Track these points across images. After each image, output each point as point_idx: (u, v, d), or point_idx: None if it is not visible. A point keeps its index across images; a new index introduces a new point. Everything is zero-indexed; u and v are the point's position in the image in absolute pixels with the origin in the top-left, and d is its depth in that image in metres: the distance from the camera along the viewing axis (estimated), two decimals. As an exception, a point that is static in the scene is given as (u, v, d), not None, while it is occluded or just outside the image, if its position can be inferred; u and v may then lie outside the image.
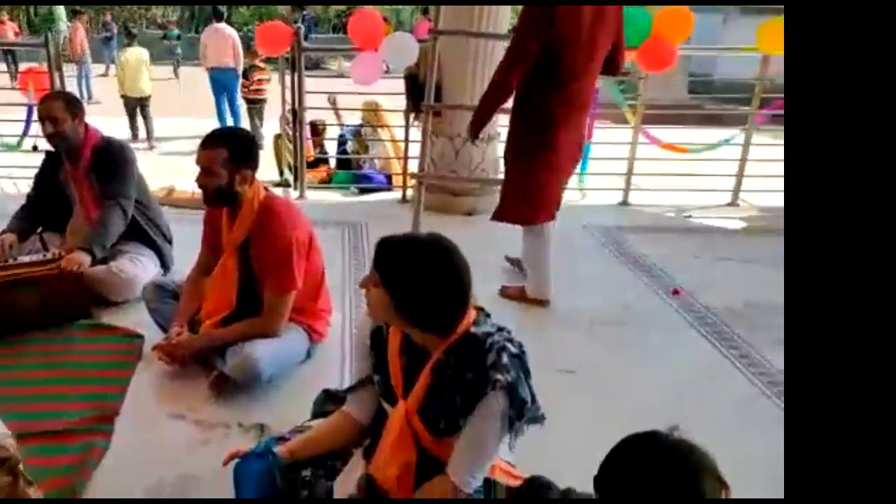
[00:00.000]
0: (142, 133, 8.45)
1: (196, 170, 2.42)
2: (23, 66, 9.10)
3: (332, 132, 6.20)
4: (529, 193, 3.07)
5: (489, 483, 1.72)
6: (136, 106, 8.33)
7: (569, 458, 1.27)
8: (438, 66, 4.32)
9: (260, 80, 7.53)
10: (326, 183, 5.59)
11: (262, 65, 7.56)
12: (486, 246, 3.72)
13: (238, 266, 2.51)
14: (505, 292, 3.33)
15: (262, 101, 7.64)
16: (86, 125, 3.13)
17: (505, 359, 1.57)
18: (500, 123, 4.76)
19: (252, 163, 2.46)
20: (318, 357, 2.65)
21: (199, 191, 2.58)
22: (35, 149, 5.30)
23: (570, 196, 5.02)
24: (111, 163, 3.11)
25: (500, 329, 1.67)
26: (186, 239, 3.30)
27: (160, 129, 8.50)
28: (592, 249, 4.13)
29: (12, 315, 2.70)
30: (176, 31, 16.67)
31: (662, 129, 5.42)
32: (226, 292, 2.53)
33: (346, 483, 1.80)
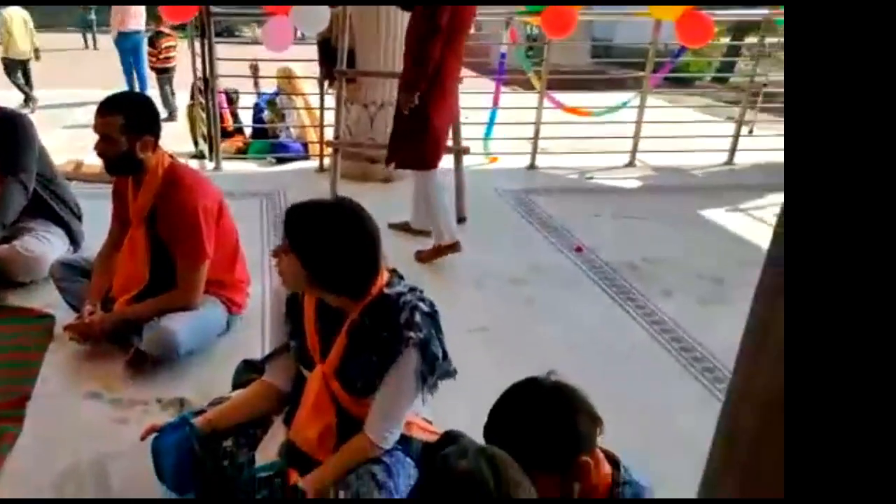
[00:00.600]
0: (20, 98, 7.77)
1: None
2: None
3: (247, 101, 5.92)
4: (434, 138, 3.17)
5: (407, 440, 1.75)
6: (19, 68, 7.73)
7: (481, 413, 1.31)
8: (350, 32, 4.19)
9: (168, 47, 7.09)
10: (243, 153, 5.37)
11: (169, 31, 7.10)
12: (404, 212, 3.70)
13: (147, 238, 2.39)
14: (420, 256, 3.34)
15: (171, 69, 7.20)
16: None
17: (417, 317, 1.58)
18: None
19: (152, 128, 2.32)
20: (238, 329, 2.58)
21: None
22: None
23: (477, 160, 5.08)
24: (9, 134, 2.86)
25: (413, 289, 1.67)
26: (98, 214, 3.07)
27: (69, 99, 7.87)
28: (502, 212, 4.18)
29: None
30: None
31: (566, 93, 5.51)
32: (137, 267, 2.41)
33: (267, 450, 1.77)
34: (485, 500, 0.99)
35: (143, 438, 1.70)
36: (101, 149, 2.27)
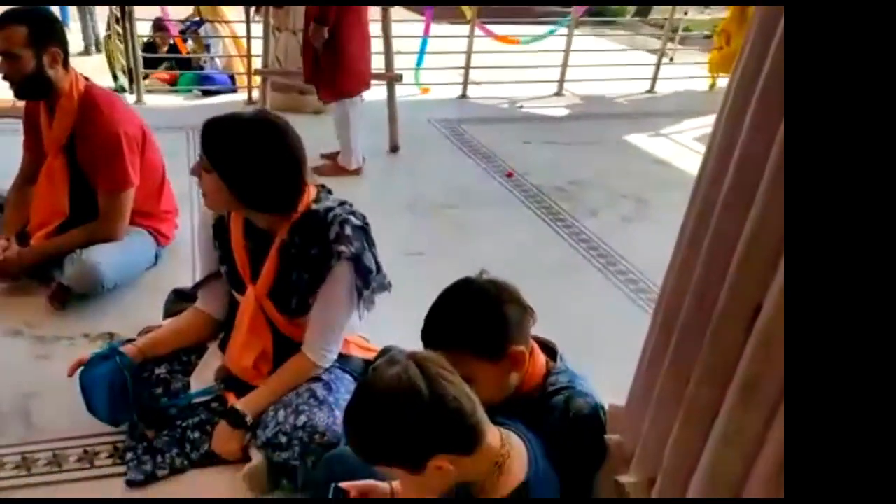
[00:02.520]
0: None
1: None
2: None
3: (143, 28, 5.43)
4: (350, 68, 3.19)
5: (345, 358, 1.67)
6: None
7: (418, 329, 1.26)
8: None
9: None
10: (172, 86, 4.95)
11: None
12: (335, 145, 3.52)
13: (66, 168, 2.16)
14: (321, 170, 3.22)
15: None
16: None
17: (348, 230, 1.48)
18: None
19: (58, 38, 2.05)
20: (167, 261, 2.40)
21: (19, 101, 2.12)
22: None
23: (411, 91, 4.88)
24: None
25: (343, 203, 1.56)
26: (8, 150, 2.75)
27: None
28: (435, 141, 4.05)
29: None
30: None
31: (496, 23, 5.33)
32: (56, 198, 2.18)
33: (202, 375, 1.67)
34: (417, 402, 0.95)
35: (70, 374, 1.56)
36: (6, 70, 2.01)
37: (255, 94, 4.51)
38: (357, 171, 3.34)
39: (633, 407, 1.27)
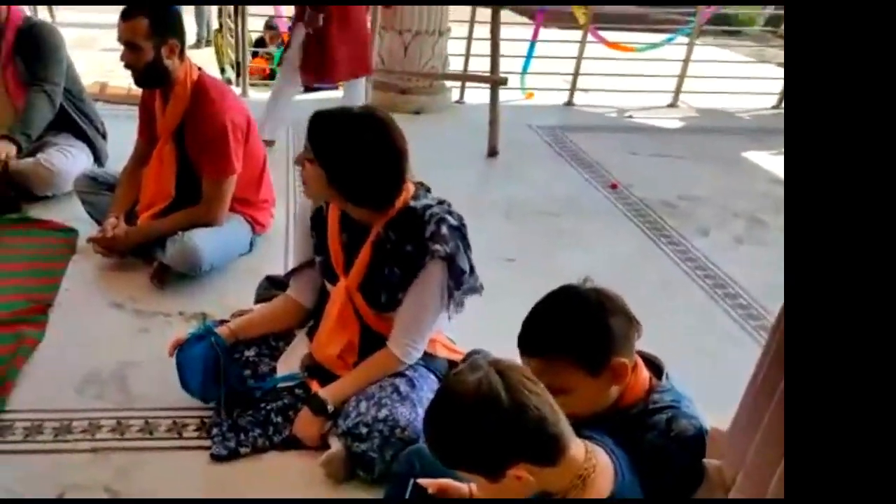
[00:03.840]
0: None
1: None
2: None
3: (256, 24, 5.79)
4: (333, 58, 3.55)
5: (431, 357, 1.71)
6: None
7: (507, 336, 1.27)
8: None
9: None
10: (268, 78, 5.25)
11: None
12: (432, 144, 3.61)
13: (175, 153, 2.34)
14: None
15: None
16: (7, 7, 2.79)
17: (444, 230, 1.52)
18: (451, 18, 4.55)
19: (177, 31, 2.24)
20: (261, 249, 2.55)
21: (135, 88, 2.35)
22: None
23: (514, 95, 4.93)
24: (37, 46, 2.80)
25: (441, 202, 1.61)
26: (122, 135, 3.05)
27: (102, 21, 7.82)
28: (536, 147, 4.06)
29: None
30: None
31: (610, 29, 5.28)
32: (163, 182, 2.37)
33: (288, 361, 1.76)
34: (496, 409, 0.96)
35: (170, 354, 1.69)
36: (128, 59, 2.21)
37: (356, 92, 4.71)
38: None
39: (736, 434, 1.22)
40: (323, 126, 1.52)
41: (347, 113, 1.54)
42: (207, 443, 1.62)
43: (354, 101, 3.74)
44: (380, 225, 1.58)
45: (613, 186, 3.44)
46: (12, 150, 2.65)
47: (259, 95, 4.85)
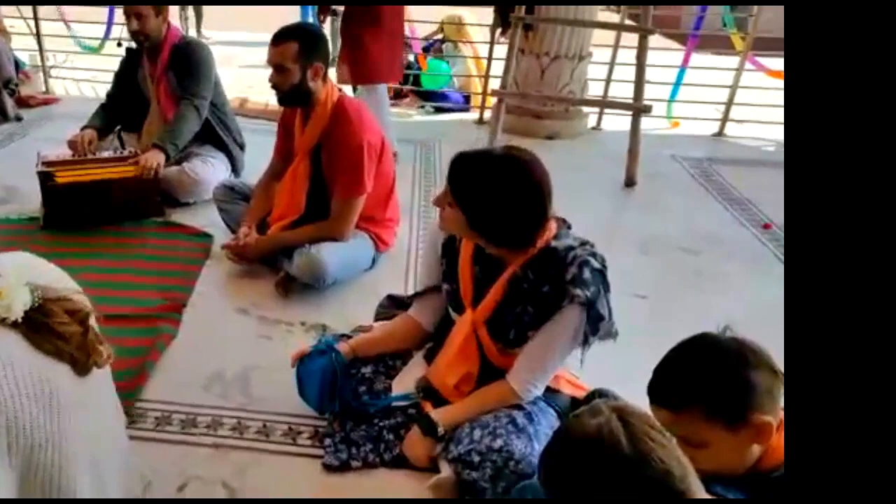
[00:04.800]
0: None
1: (267, 83, 2.48)
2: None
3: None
4: (368, 58, 3.72)
5: (553, 392, 1.74)
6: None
7: (634, 375, 1.27)
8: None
9: None
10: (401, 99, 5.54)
11: None
12: (564, 170, 3.64)
13: (309, 170, 2.56)
14: None
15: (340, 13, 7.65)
16: (168, 23, 3.21)
17: (586, 273, 1.55)
18: (593, 42, 4.60)
19: (322, 56, 2.46)
20: (383, 266, 2.70)
21: (272, 103, 2.61)
22: (119, 44, 5.53)
23: (657, 124, 4.86)
24: (189, 62, 3.18)
25: (584, 243, 1.63)
26: (257, 148, 3.41)
27: (242, 39, 8.64)
28: (679, 179, 3.99)
29: (92, 210, 2.88)
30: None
31: (772, 56, 5.09)
32: (295, 196, 2.59)
33: (403, 382, 1.85)
34: (616, 460, 0.95)
35: (293, 365, 1.84)
36: (275, 80, 2.46)
37: (487, 114, 4.87)
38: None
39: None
40: (464, 169, 1.59)
41: (489, 155, 1.59)
42: (320, 452, 1.73)
43: (376, 107, 3.82)
44: (517, 263, 1.62)
45: (766, 226, 3.30)
46: (161, 158, 3.01)
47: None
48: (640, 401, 1.18)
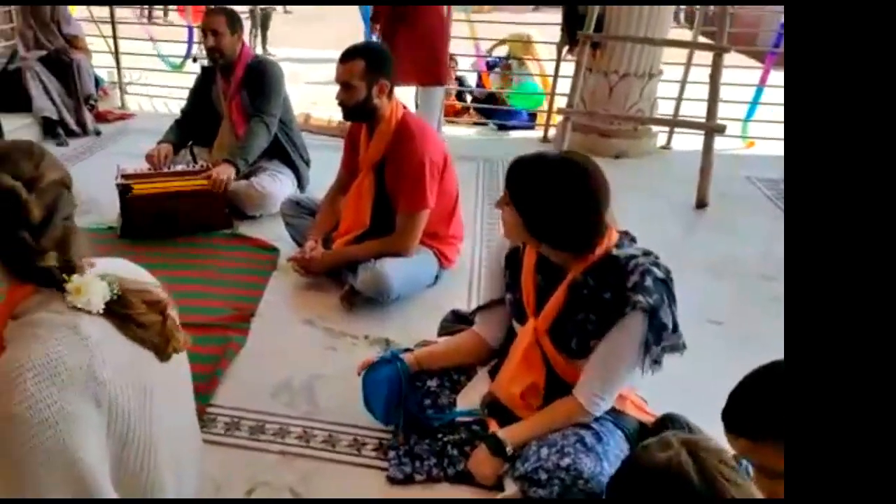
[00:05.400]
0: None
1: (330, 99, 2.59)
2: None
3: (464, 63, 6.24)
4: (432, 56, 3.98)
5: (619, 414, 1.74)
6: (260, 16, 9.73)
7: (705, 402, 1.27)
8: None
9: None
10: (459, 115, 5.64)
11: None
12: (635, 192, 3.65)
13: (373, 185, 2.66)
14: None
15: None
16: (242, 42, 3.39)
17: (648, 281, 1.57)
18: (663, 60, 4.60)
19: (388, 73, 2.56)
20: (446, 282, 2.76)
21: (335, 118, 2.72)
22: (194, 60, 5.85)
23: (731, 144, 4.80)
24: (261, 81, 3.35)
25: (647, 253, 1.66)
26: (320, 163, 3.57)
27: (306, 56, 8.98)
28: (753, 201, 3.93)
29: (164, 221, 3.05)
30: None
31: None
32: (360, 211, 2.69)
33: (468, 397, 1.89)
34: (685, 497, 0.95)
35: (359, 373, 1.91)
36: (341, 97, 2.57)
37: (552, 132, 4.91)
38: None
39: None
40: (521, 172, 1.65)
41: (546, 159, 1.65)
42: (384, 464, 1.79)
43: (427, 111, 4.07)
44: (577, 270, 1.66)
45: (849, 253, 3.21)
46: (232, 172, 3.17)
47: (453, 131, 5.25)
48: (714, 428, 1.19)
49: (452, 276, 2.81)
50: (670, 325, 1.60)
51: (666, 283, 1.61)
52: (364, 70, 2.50)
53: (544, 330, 1.73)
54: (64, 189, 1.16)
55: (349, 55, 2.55)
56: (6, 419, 1.04)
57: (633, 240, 1.72)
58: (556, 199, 1.59)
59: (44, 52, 4.50)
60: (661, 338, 1.59)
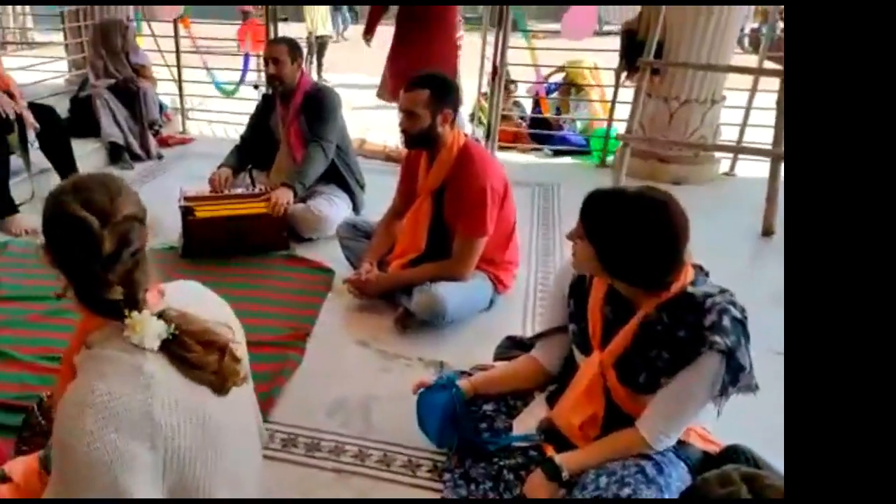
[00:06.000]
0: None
1: (384, 125, 2.66)
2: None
3: (520, 88, 6.31)
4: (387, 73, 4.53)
5: (681, 444, 1.73)
6: (316, 44, 10.23)
7: (770, 433, 1.25)
8: (663, 22, 4.24)
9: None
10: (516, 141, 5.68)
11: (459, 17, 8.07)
12: (696, 220, 3.57)
13: (431, 211, 2.72)
14: None
15: None
16: (301, 70, 3.54)
17: (726, 321, 1.56)
18: (726, 86, 4.58)
19: (452, 103, 2.64)
20: (501, 307, 2.79)
21: (389, 144, 2.79)
22: (255, 87, 6.10)
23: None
24: (320, 107, 3.49)
25: (723, 291, 1.65)
26: (375, 187, 3.68)
27: (354, 82, 9.22)
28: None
29: (225, 242, 3.19)
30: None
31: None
32: (416, 236, 2.75)
33: (525, 422, 1.90)
34: None
35: (414, 391, 1.95)
36: (405, 124, 2.66)
37: (610, 158, 4.91)
38: None
39: None
40: (598, 206, 1.65)
41: (623, 194, 1.66)
42: (439, 485, 1.82)
43: None
44: (650, 305, 1.65)
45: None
46: (290, 196, 3.29)
47: (508, 156, 5.28)
48: (779, 459, 1.17)
49: (507, 301, 2.83)
50: (747, 366, 1.59)
51: (742, 323, 1.60)
52: (429, 99, 2.58)
53: (610, 363, 1.73)
54: (137, 223, 1.20)
55: (415, 84, 2.63)
56: (63, 447, 1.12)
57: (706, 274, 1.72)
58: (634, 236, 1.59)
59: (112, 81, 4.75)
60: (737, 379, 1.59)
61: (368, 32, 5.04)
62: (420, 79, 2.66)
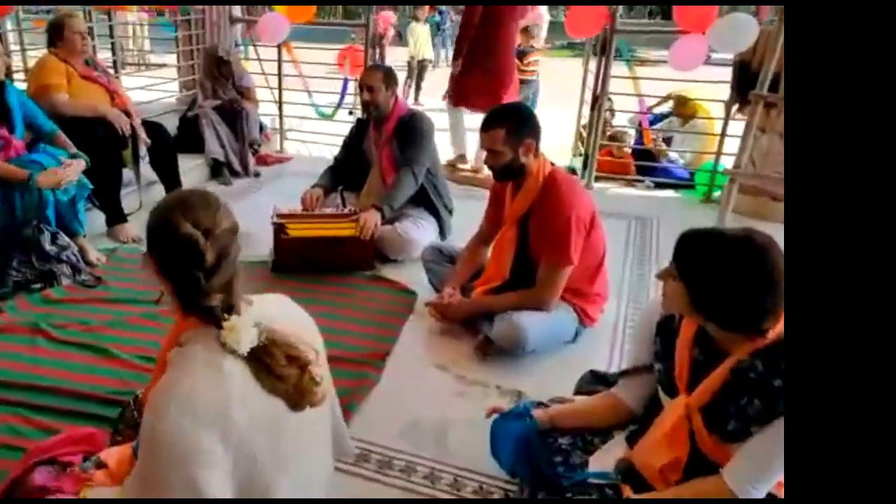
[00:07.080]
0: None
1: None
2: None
3: (621, 118, 6.29)
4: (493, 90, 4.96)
5: (769, 494, 1.69)
6: (416, 68, 10.79)
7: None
8: (780, 52, 4.15)
9: (531, 62, 8.06)
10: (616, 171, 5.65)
11: (537, 48, 8.14)
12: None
13: (516, 239, 2.78)
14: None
15: (531, 81, 8.17)
16: (395, 96, 3.70)
17: None
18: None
19: (532, 132, 2.69)
20: (585, 340, 2.79)
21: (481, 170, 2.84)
22: (350, 112, 6.40)
23: None
24: (412, 132, 3.64)
25: None
26: (463, 212, 3.79)
27: (437, 106, 9.44)
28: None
29: (314, 260, 3.36)
30: (436, 17, 17.15)
31: None
32: (501, 263, 2.81)
33: (602, 460, 1.89)
34: None
35: (487, 416, 1.99)
36: (489, 161, 2.75)
37: (716, 193, 4.81)
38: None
39: None
40: (693, 247, 1.65)
41: (720, 236, 1.64)
42: (509, 515, 1.84)
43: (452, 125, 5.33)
44: (744, 351, 1.63)
45: None
46: (378, 218, 3.44)
47: (605, 187, 5.29)
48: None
49: (594, 334, 2.84)
50: None
51: None
52: (505, 137, 2.65)
53: (697, 408, 1.71)
54: (233, 236, 1.37)
55: (489, 124, 2.70)
56: (148, 435, 1.24)
57: None
58: (732, 279, 1.57)
59: (218, 102, 5.11)
60: None
61: (457, 59, 5.26)
62: (493, 116, 2.72)
